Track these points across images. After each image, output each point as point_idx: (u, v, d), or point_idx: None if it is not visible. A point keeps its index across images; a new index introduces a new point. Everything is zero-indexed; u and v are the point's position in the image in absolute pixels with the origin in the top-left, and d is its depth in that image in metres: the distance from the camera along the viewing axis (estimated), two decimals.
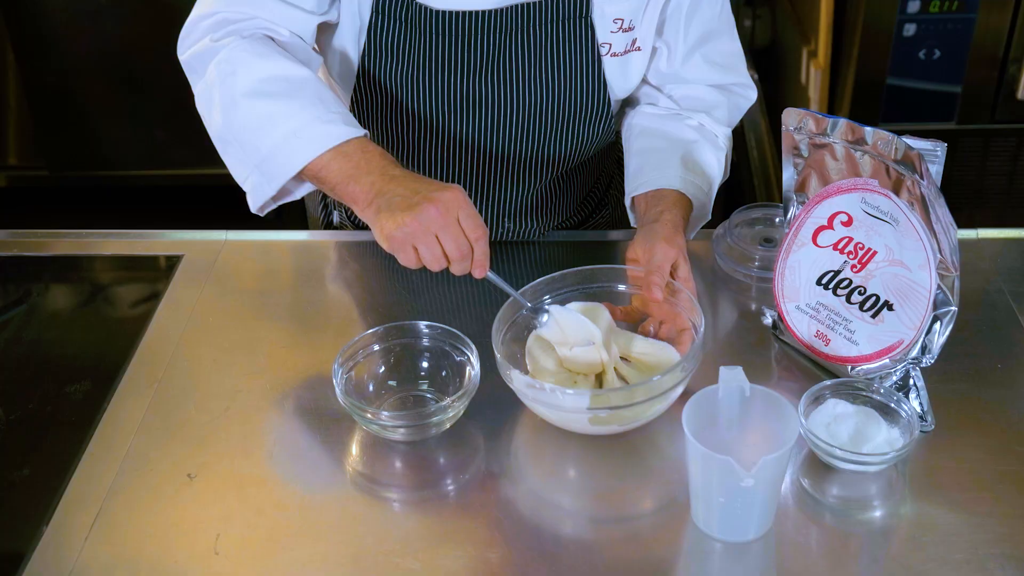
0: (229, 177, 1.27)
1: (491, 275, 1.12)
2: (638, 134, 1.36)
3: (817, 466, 1.06)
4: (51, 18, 2.84)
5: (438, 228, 1.06)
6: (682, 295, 1.16)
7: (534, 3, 1.24)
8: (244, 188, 1.23)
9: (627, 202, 1.33)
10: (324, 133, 1.14)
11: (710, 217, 1.36)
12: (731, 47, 1.38)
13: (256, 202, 1.23)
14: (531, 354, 1.17)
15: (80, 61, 2.91)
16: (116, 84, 2.94)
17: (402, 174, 1.12)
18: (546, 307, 1.16)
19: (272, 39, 1.22)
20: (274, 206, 1.26)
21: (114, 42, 2.87)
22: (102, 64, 2.91)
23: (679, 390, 1.08)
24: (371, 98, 1.31)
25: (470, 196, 1.36)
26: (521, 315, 1.17)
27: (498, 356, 1.10)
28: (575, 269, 1.20)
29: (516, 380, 1.08)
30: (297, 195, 1.25)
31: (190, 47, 1.23)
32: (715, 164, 1.33)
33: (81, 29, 2.86)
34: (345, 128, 1.15)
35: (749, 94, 1.41)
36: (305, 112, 1.15)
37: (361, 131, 1.17)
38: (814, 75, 2.42)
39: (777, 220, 1.40)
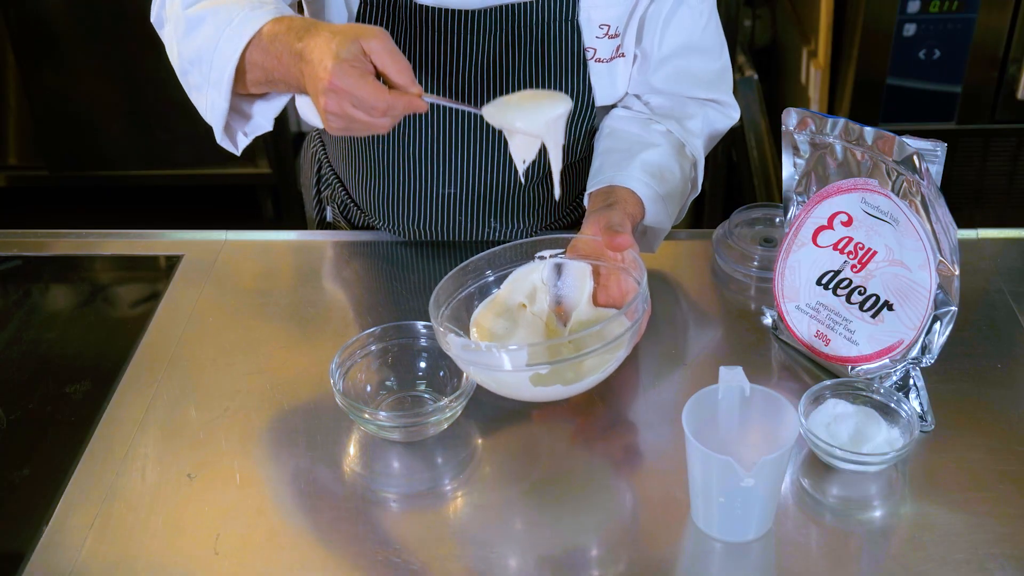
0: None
1: (428, 99, 1.07)
2: (606, 135, 1.35)
3: (817, 466, 1.06)
4: (51, 18, 2.84)
5: (349, 116, 1.04)
6: (628, 260, 1.15)
7: (520, 4, 1.24)
8: (207, 118, 1.20)
9: (585, 201, 1.30)
10: (249, 19, 1.11)
11: (669, 228, 1.33)
12: (715, 66, 1.36)
13: (217, 122, 1.19)
14: (478, 324, 1.18)
15: (80, 61, 2.91)
16: (116, 84, 2.94)
17: (301, 48, 1.06)
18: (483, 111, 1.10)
19: None
20: (246, 141, 1.23)
21: (114, 42, 2.87)
22: (102, 64, 2.91)
23: (623, 345, 1.07)
24: None
25: (455, 193, 1.37)
26: (463, 293, 1.18)
27: (435, 324, 1.09)
28: (514, 243, 1.20)
29: (453, 344, 1.07)
30: (262, 120, 1.22)
31: (152, 13, 1.25)
32: (676, 170, 1.30)
33: (81, 29, 2.86)
34: (269, 11, 1.11)
35: (730, 113, 1.39)
36: (234, 9, 1.12)
37: (286, 13, 1.12)
38: (814, 75, 2.42)
39: (777, 220, 1.40)
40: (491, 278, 1.20)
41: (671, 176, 1.29)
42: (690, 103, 1.36)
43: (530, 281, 1.21)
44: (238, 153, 1.24)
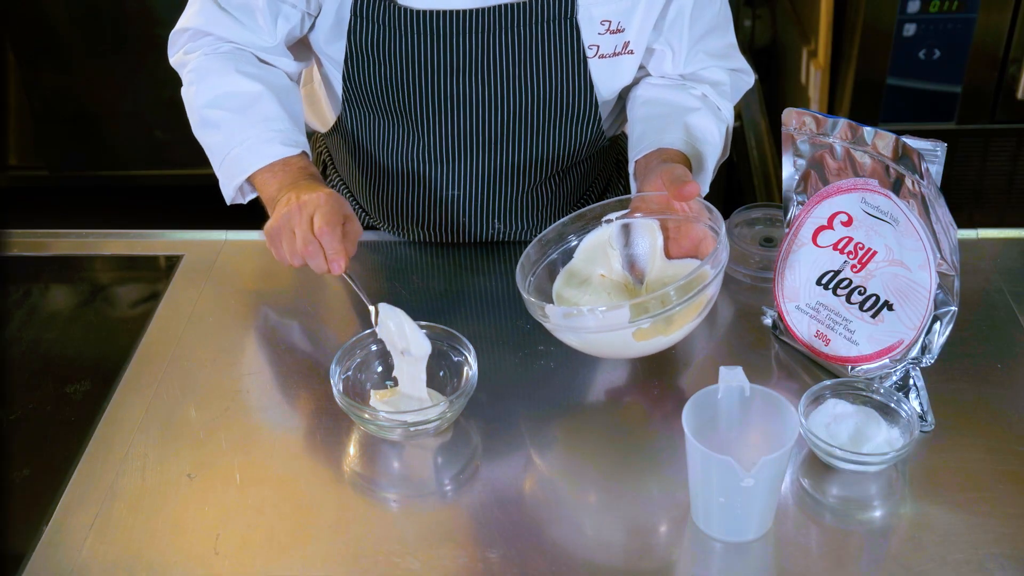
0: None
1: (346, 275, 1.17)
2: (641, 103, 1.36)
3: (817, 466, 1.06)
4: (51, 18, 2.84)
5: (295, 224, 1.15)
6: (695, 208, 1.17)
7: (518, 3, 1.24)
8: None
9: (631, 169, 1.33)
10: (260, 152, 1.25)
11: (707, 192, 1.35)
12: (729, 39, 1.39)
13: (227, 196, 1.32)
14: (560, 297, 1.21)
15: (80, 61, 2.91)
16: (116, 84, 2.94)
17: (305, 183, 1.22)
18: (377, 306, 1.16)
19: (240, 49, 1.32)
20: (255, 194, 1.31)
21: (114, 42, 2.87)
22: (102, 64, 2.91)
23: (714, 289, 1.09)
24: (359, 100, 1.32)
25: (459, 195, 1.38)
26: (546, 261, 1.22)
27: (526, 296, 1.12)
28: (579, 211, 1.23)
29: (551, 313, 1.09)
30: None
31: (172, 56, 1.36)
32: (716, 133, 1.34)
33: (81, 29, 2.86)
34: (281, 148, 1.25)
35: (747, 79, 1.43)
36: (248, 131, 1.26)
37: (295, 150, 1.26)
38: (814, 75, 2.42)
39: (777, 220, 1.40)
40: (556, 253, 1.23)
41: (712, 139, 1.33)
42: (718, 71, 1.39)
43: (601, 247, 1.24)
44: (245, 202, 1.34)
